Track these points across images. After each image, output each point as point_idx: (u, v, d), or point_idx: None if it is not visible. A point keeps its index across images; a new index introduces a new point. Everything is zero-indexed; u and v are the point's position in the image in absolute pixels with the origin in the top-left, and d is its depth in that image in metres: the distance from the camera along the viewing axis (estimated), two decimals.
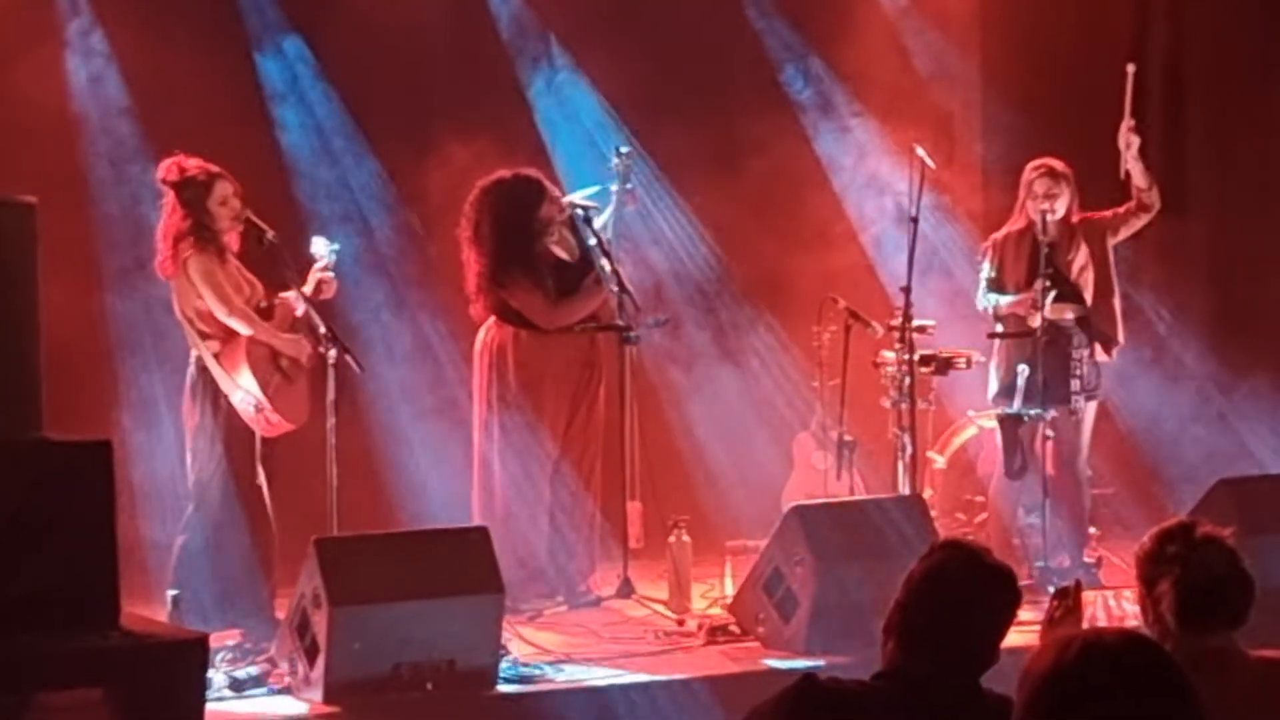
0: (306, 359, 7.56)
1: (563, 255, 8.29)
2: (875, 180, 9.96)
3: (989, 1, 10.44)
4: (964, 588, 3.59)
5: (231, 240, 7.52)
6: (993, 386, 8.53)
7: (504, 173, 8.24)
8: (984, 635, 3.59)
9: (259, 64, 9.14)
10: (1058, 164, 8.38)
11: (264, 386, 7.37)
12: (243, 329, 7.39)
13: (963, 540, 3.79)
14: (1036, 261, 8.29)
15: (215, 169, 7.44)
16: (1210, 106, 10.24)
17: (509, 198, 8.13)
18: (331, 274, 7.74)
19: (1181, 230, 10.19)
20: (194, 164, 7.44)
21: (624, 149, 8.46)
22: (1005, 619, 3.64)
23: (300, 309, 7.55)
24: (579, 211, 8.21)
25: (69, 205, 8.17)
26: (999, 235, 8.58)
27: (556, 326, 8.15)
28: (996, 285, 8.45)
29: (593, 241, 8.16)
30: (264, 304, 7.55)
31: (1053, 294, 8.19)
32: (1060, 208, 8.33)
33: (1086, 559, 8.42)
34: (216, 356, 7.39)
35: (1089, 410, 8.42)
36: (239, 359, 7.37)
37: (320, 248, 7.78)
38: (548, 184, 8.27)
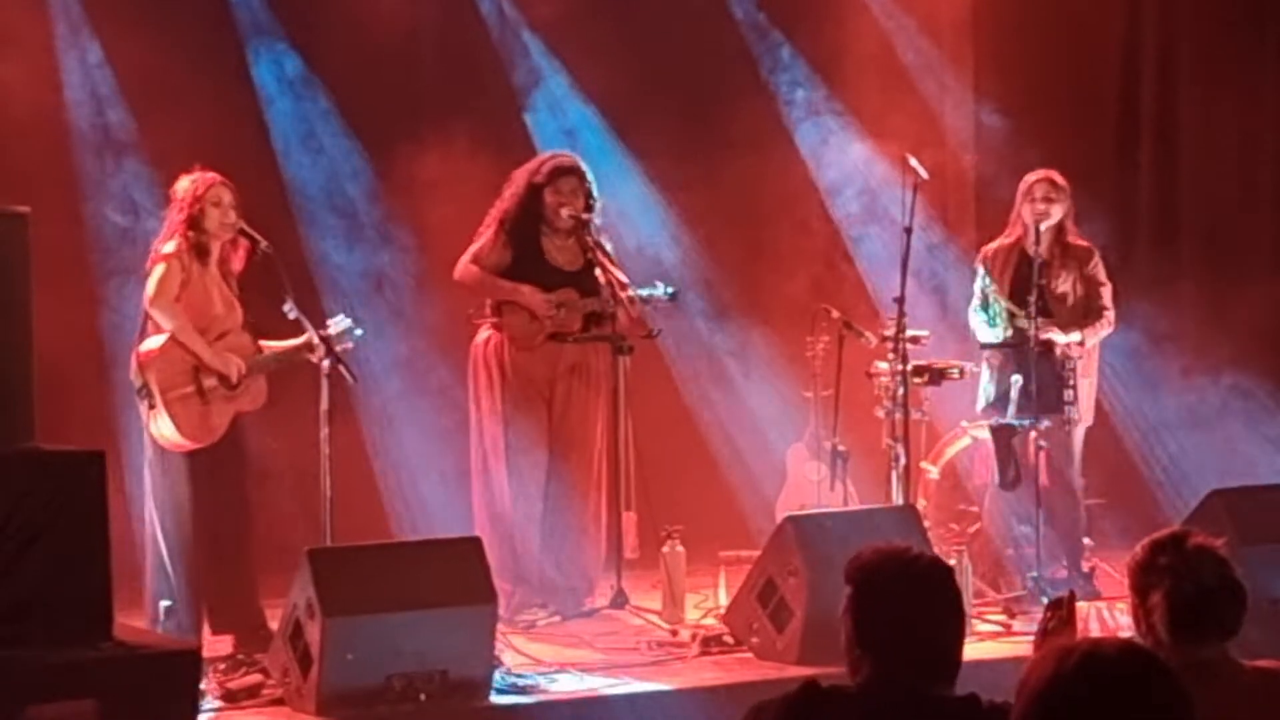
0: (237, 378, 7.25)
1: (558, 260, 8.26)
2: (867, 190, 9.96)
3: (981, 11, 10.45)
4: (894, 592, 3.56)
5: (232, 258, 7.46)
6: (983, 398, 8.53)
7: (557, 151, 8.37)
8: (939, 619, 3.56)
9: (251, 65, 9.14)
10: (1058, 176, 8.41)
11: (164, 390, 7.13)
12: (164, 321, 7.19)
13: (872, 550, 3.72)
14: (1021, 276, 8.29)
15: (220, 178, 7.39)
16: (1201, 113, 10.25)
17: (531, 167, 8.22)
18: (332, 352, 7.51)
19: (1173, 236, 10.21)
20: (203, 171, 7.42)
21: (671, 291, 8.43)
22: (947, 595, 3.59)
23: (293, 315, 7.49)
24: (580, 217, 8.17)
25: (60, 213, 8.16)
26: (990, 248, 8.58)
27: (456, 278, 8.23)
28: (986, 301, 8.45)
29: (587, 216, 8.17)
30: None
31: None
32: (1056, 214, 8.33)
33: (1083, 568, 8.42)
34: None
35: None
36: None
37: (341, 327, 7.55)
38: (571, 178, 8.16)
